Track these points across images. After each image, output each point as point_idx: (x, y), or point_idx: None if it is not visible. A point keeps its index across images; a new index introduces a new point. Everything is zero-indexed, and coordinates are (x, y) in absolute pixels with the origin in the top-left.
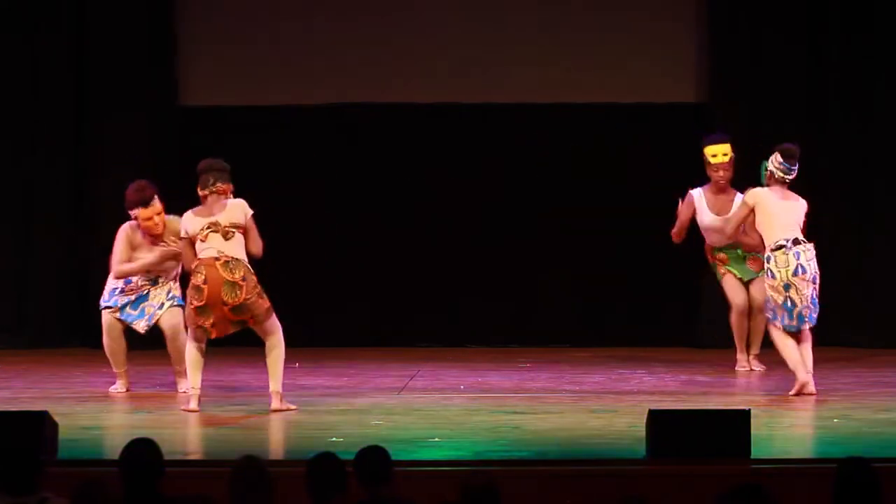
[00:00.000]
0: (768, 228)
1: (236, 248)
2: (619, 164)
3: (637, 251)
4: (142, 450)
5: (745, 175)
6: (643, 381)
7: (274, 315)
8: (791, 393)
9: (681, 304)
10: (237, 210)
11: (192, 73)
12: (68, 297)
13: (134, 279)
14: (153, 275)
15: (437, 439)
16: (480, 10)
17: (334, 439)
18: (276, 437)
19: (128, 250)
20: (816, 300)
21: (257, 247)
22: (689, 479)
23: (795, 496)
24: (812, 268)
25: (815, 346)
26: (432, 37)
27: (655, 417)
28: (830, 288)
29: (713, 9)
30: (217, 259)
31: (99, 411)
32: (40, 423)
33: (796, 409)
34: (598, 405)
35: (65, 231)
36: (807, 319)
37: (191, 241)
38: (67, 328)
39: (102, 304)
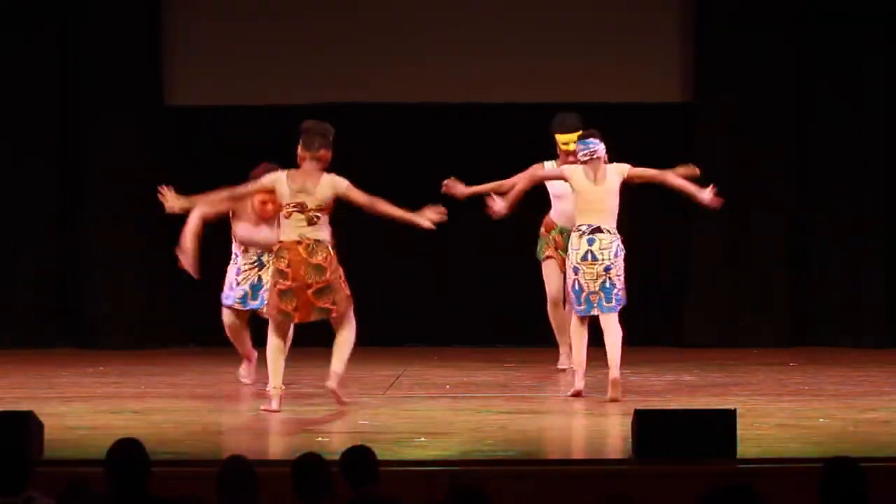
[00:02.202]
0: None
1: (320, 231)
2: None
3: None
4: (128, 450)
5: (729, 174)
6: (628, 381)
7: (352, 308)
8: (567, 394)
9: (666, 304)
10: (328, 189)
11: (180, 73)
12: (55, 296)
13: (242, 266)
14: (254, 255)
15: (422, 439)
16: (478, 10)
17: (320, 439)
18: (262, 437)
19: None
20: (613, 290)
21: (371, 201)
22: (675, 478)
23: (781, 496)
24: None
25: (804, 345)
26: (429, 37)
27: (641, 417)
28: (818, 287)
29: (700, 10)
30: (299, 243)
31: (85, 411)
32: (25, 423)
33: (783, 409)
34: (583, 405)
35: (52, 230)
36: (595, 305)
37: (266, 191)
38: (54, 328)
39: (223, 301)
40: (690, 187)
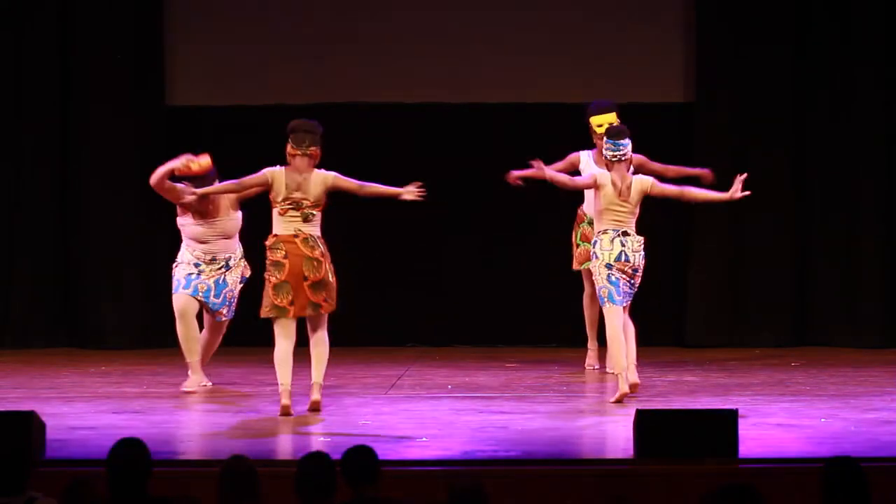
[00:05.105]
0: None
1: (314, 228)
2: None
3: None
4: (129, 450)
5: (729, 174)
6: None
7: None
8: (611, 400)
9: (667, 304)
10: (320, 186)
11: (181, 74)
12: (56, 296)
13: (205, 266)
14: (220, 259)
15: (424, 439)
16: (479, 10)
17: (322, 439)
18: (263, 437)
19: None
20: (632, 291)
21: (360, 185)
22: (676, 478)
23: (783, 496)
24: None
25: (805, 345)
26: (429, 37)
27: (643, 417)
28: (819, 287)
29: (700, 10)
30: (296, 236)
31: (87, 411)
32: (28, 423)
33: (784, 409)
34: (585, 405)
35: (51, 230)
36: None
37: (260, 186)
38: (55, 328)
39: (174, 290)
40: (713, 195)
